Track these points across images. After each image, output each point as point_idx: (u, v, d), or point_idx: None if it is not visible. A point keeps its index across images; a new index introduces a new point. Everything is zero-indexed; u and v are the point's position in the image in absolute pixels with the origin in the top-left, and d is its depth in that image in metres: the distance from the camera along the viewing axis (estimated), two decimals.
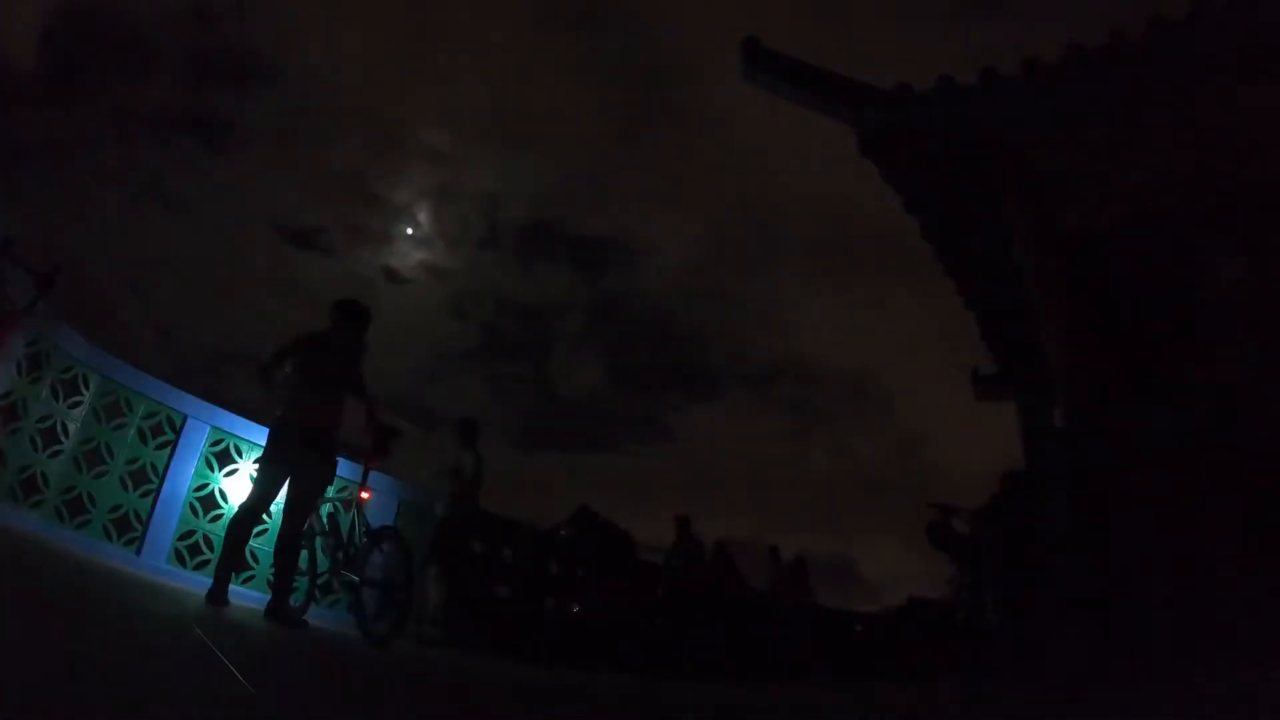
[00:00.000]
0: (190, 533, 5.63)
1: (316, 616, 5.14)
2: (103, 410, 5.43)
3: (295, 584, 4.52)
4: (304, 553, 4.64)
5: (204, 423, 5.84)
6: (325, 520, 4.77)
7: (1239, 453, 4.23)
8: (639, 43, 51.73)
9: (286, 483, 4.42)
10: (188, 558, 5.58)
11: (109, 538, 5.27)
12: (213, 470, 5.84)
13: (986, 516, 5.76)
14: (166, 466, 5.58)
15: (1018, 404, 6.94)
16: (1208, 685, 3.11)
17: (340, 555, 4.67)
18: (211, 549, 5.59)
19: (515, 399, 51.24)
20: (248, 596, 5.29)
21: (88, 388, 5.37)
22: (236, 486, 5.86)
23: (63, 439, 5.19)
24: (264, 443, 4.63)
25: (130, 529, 5.38)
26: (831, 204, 48.89)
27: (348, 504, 4.87)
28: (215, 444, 5.88)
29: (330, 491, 4.83)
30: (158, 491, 5.51)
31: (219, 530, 5.59)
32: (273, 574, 4.61)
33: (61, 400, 5.23)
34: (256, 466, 4.67)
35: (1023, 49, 5.09)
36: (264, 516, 4.69)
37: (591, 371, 55.83)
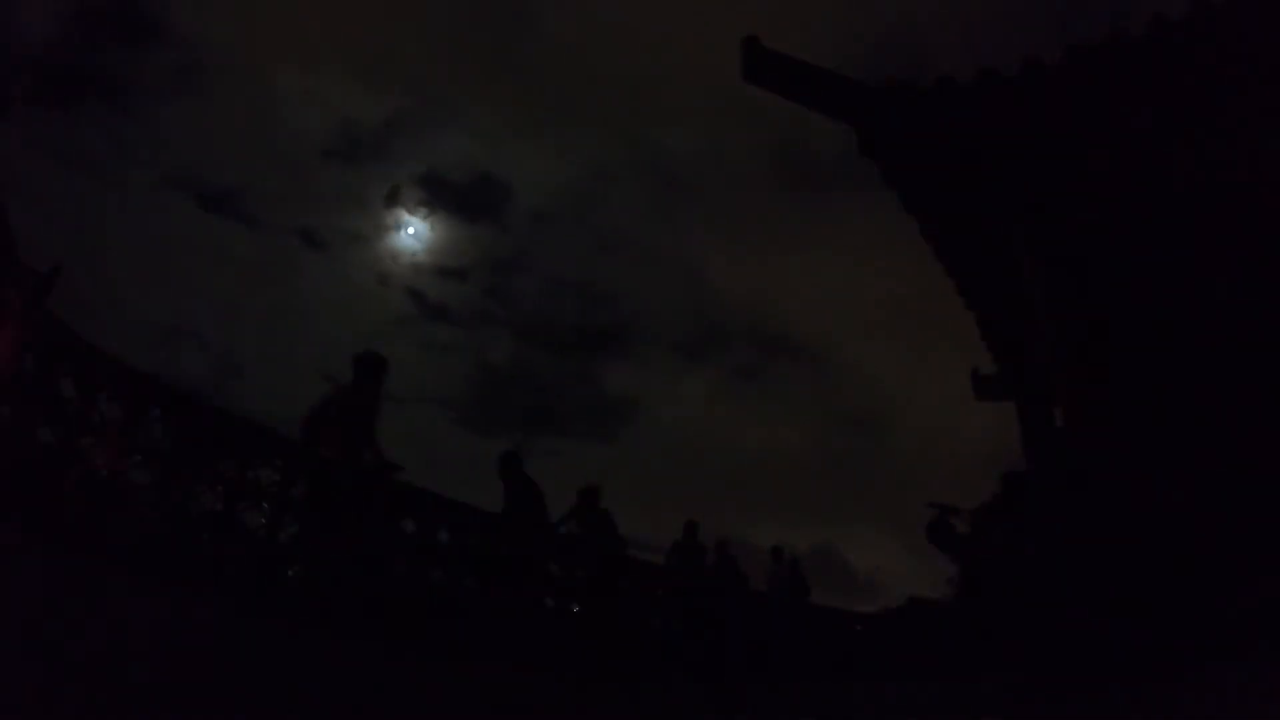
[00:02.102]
0: None
1: None
2: None
3: None
4: None
5: None
6: None
7: (1238, 453, 4.24)
8: None
9: None
10: None
11: None
12: None
13: (986, 516, 5.75)
14: None
15: (1018, 404, 6.93)
16: (1205, 684, 3.11)
17: None
18: None
19: (450, 367, 51.04)
20: None
21: None
22: None
23: None
24: None
25: None
26: (724, 127, 47.87)
27: None
28: None
29: None
30: None
31: None
32: None
33: None
34: None
35: (1023, 49, 5.09)
36: None
37: (507, 338, 55.38)
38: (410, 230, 48.11)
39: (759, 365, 55.04)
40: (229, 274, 44.53)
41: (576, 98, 55.45)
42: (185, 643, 3.03)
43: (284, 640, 3.88)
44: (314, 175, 50.70)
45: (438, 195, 55.05)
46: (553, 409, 52.52)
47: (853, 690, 5.68)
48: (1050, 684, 3.96)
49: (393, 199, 52.75)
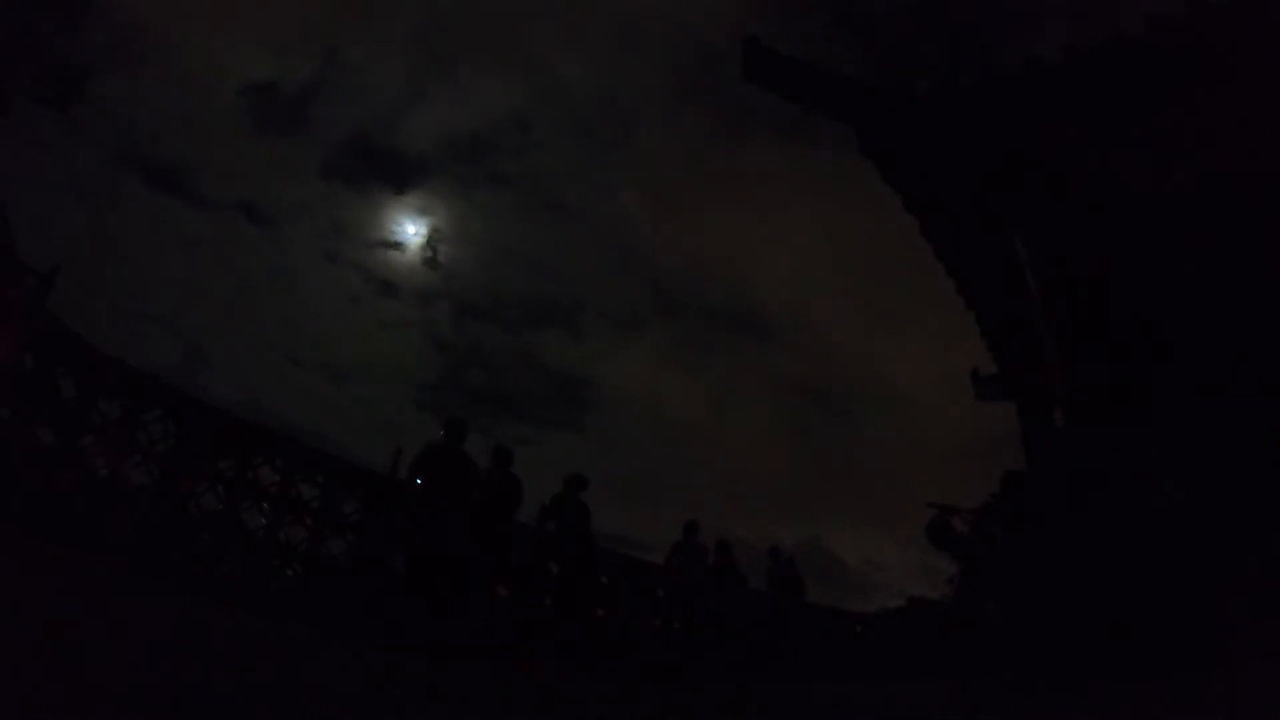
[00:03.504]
0: None
1: None
2: None
3: None
4: None
5: None
6: None
7: (1238, 453, 4.24)
8: None
9: None
10: None
11: None
12: None
13: (986, 516, 5.75)
14: None
15: (1018, 404, 6.93)
16: (1205, 684, 3.12)
17: None
18: None
19: (405, 342, 50.54)
20: None
21: None
22: None
23: None
24: None
25: None
26: (628, 59, 46.88)
27: None
28: None
29: None
30: None
31: None
32: None
33: None
34: None
35: (1023, 49, 5.09)
36: None
37: (452, 313, 54.29)
38: (412, 230, 47.87)
39: (710, 338, 54.52)
40: (182, 254, 43.88)
41: (477, 44, 54.45)
42: (184, 642, 3.03)
43: (284, 640, 3.88)
44: (244, 147, 49.58)
45: (363, 163, 54.93)
46: (510, 392, 52.08)
47: (853, 690, 5.67)
48: (1050, 684, 3.96)
49: (327, 172, 52.49)
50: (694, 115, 49.53)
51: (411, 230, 52.27)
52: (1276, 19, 4.26)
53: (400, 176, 56.00)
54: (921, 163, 5.53)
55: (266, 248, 47.71)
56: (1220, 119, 4.85)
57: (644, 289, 56.53)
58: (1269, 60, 4.37)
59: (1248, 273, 5.04)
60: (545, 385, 51.82)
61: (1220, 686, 3.05)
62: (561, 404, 51.79)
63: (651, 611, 9.09)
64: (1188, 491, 4.44)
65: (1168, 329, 5.43)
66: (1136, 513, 4.42)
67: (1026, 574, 5.09)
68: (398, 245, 53.52)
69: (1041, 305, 5.35)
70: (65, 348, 6.30)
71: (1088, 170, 5.36)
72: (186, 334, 41.77)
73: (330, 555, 6.97)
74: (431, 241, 52.64)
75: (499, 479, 6.75)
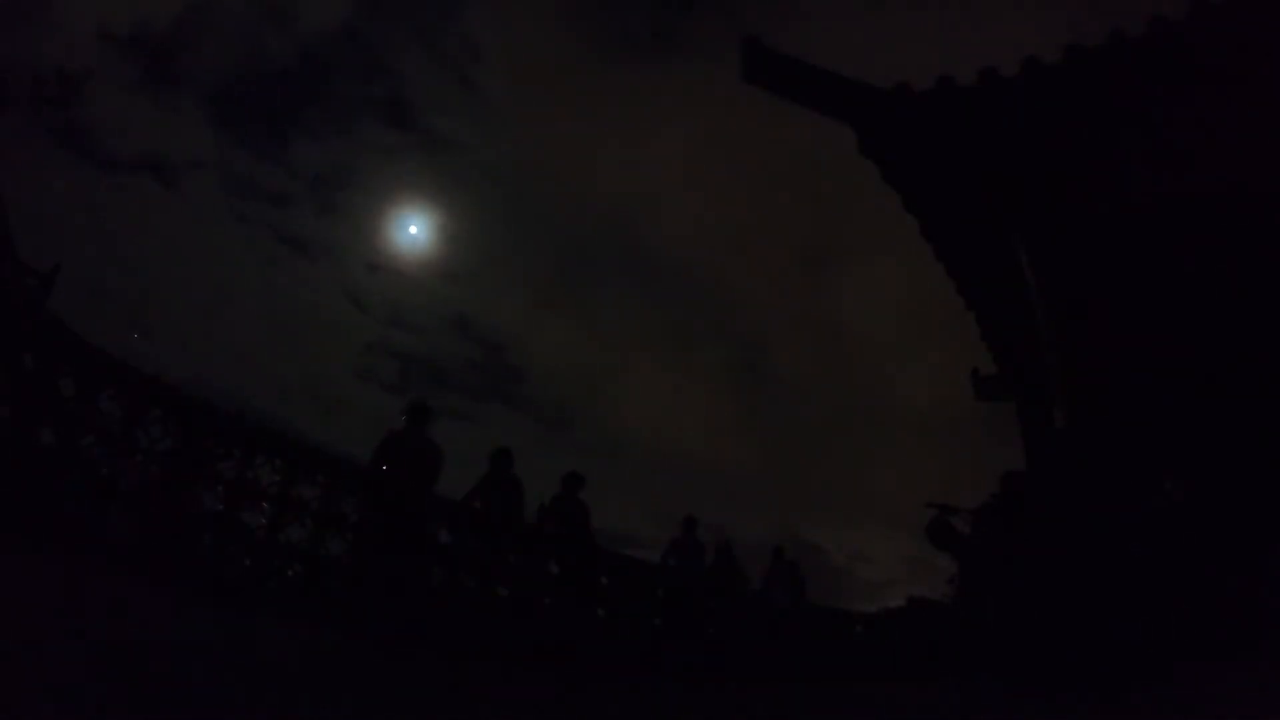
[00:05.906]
0: None
1: None
2: None
3: None
4: None
5: None
6: None
7: (1237, 453, 4.24)
8: None
9: None
10: None
11: None
12: None
13: (986, 516, 5.75)
14: None
15: (1018, 404, 6.94)
16: (1204, 685, 3.12)
17: None
18: None
19: (332, 305, 48.55)
20: None
21: None
22: None
23: None
24: None
25: None
26: None
27: None
28: None
29: None
30: None
31: None
32: None
33: None
34: None
35: (1023, 49, 5.09)
36: None
37: (362, 271, 51.81)
38: (412, 229, 46.81)
39: (621, 294, 51.05)
40: (101, 219, 41.30)
41: None
42: (185, 642, 3.03)
43: (284, 640, 3.88)
44: (132, 103, 45.72)
45: (242, 112, 51.75)
46: (437, 358, 49.40)
47: (853, 690, 5.68)
48: (1049, 684, 3.96)
49: (216, 124, 49.66)
50: (541, 22, 46.77)
51: (305, 181, 50.30)
52: (1276, 19, 4.26)
53: (280, 122, 51.81)
54: (922, 163, 5.54)
55: (178, 209, 45.25)
56: (1220, 119, 4.86)
57: (541, 235, 52.63)
58: (1269, 61, 4.37)
59: (1248, 272, 5.04)
60: (469, 350, 49.25)
61: (1220, 686, 3.05)
62: (490, 372, 48.92)
63: (652, 611, 9.08)
64: (1188, 491, 4.44)
65: (1167, 329, 5.43)
66: (1136, 513, 4.42)
67: (1026, 574, 5.09)
68: (296, 198, 51.69)
69: (1041, 305, 5.35)
70: (65, 348, 6.30)
71: (1088, 170, 5.36)
72: (122, 304, 39.12)
73: (330, 555, 6.96)
74: (324, 191, 50.74)
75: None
